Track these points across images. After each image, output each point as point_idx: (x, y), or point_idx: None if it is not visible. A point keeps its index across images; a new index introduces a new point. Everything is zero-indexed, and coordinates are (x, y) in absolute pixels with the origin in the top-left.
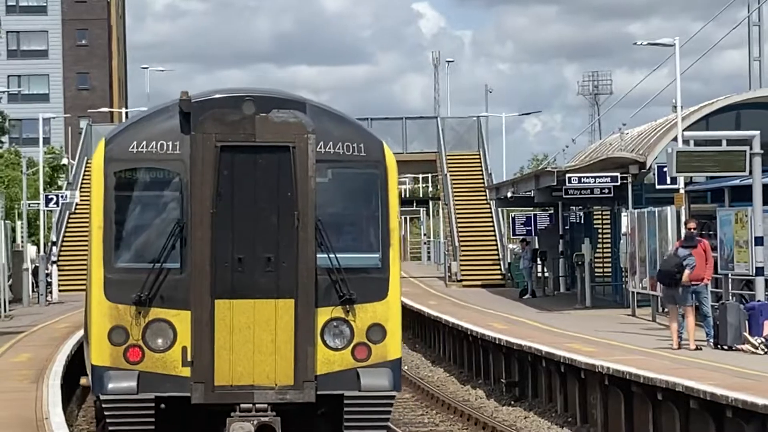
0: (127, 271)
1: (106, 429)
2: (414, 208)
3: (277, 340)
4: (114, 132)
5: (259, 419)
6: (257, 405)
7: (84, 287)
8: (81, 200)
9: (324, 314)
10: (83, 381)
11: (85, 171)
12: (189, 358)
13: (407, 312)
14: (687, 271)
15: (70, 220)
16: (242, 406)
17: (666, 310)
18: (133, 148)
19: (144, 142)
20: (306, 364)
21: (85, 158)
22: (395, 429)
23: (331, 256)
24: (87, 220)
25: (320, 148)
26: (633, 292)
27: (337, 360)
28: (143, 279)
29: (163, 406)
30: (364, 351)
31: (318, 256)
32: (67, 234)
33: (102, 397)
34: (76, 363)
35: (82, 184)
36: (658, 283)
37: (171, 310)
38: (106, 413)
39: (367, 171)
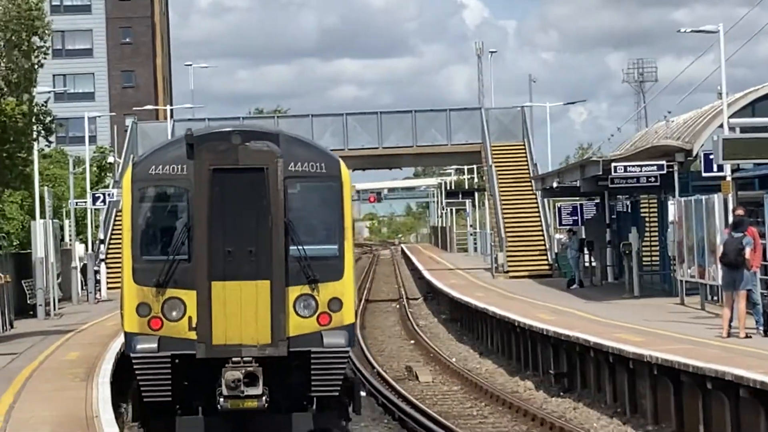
0: (149, 262)
1: (137, 381)
2: (459, 199)
3: (258, 311)
4: (139, 159)
5: (246, 368)
6: (244, 358)
7: None
8: None
9: (295, 291)
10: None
11: None
12: (194, 325)
13: (455, 304)
14: (748, 249)
15: (118, 218)
16: (233, 359)
17: (716, 298)
18: (152, 170)
19: (160, 166)
20: (280, 327)
21: (131, 156)
22: (436, 416)
23: (300, 248)
24: None
25: (291, 167)
26: (681, 281)
27: (305, 325)
28: (161, 267)
29: (177, 361)
30: (326, 318)
31: (291, 248)
32: (114, 232)
33: (132, 356)
34: (125, 361)
35: None
36: (722, 267)
37: (182, 290)
38: (135, 367)
39: (327, 184)
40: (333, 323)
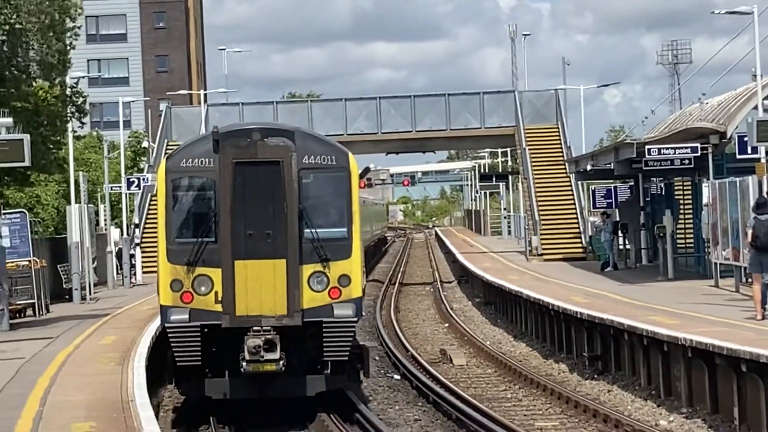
0: (181, 244)
1: (171, 348)
2: (493, 182)
3: (275, 286)
4: (172, 153)
5: (265, 336)
6: (264, 327)
7: None
8: None
9: (309, 269)
10: None
11: (165, 154)
12: (220, 299)
13: (489, 287)
14: None
15: (152, 203)
16: (254, 328)
17: (750, 280)
18: (183, 163)
19: (190, 159)
20: (294, 300)
21: (165, 141)
22: (470, 399)
23: (313, 231)
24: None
25: (305, 159)
26: (716, 263)
27: (318, 298)
28: (191, 248)
29: (205, 330)
30: (336, 292)
31: (305, 231)
32: (149, 216)
33: (166, 326)
34: (160, 345)
35: None
36: (750, 249)
37: (209, 268)
38: (169, 336)
39: (336, 174)
40: (342, 297)
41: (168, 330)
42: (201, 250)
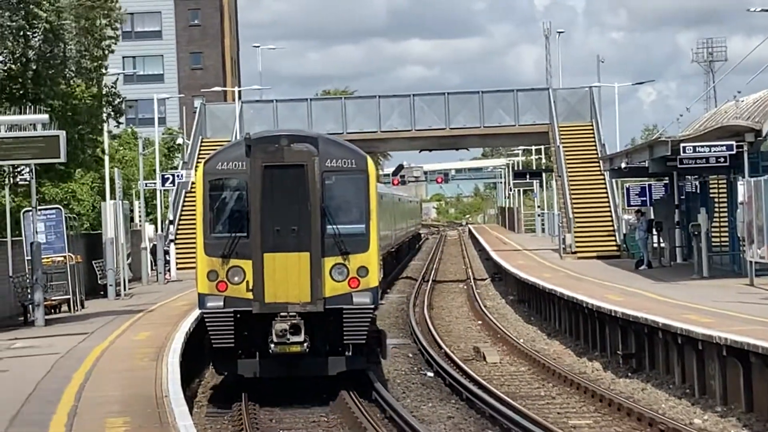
0: (217, 238)
1: (207, 333)
2: (527, 180)
3: (300, 276)
4: (209, 157)
5: (291, 321)
6: (290, 313)
7: None
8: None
9: (331, 261)
10: None
11: (200, 150)
12: (251, 288)
13: (522, 284)
14: None
15: (187, 199)
16: (281, 314)
17: None
18: (219, 166)
19: (225, 163)
20: (317, 289)
21: (200, 137)
22: (504, 396)
23: (334, 227)
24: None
25: (327, 163)
26: (751, 262)
27: (339, 288)
28: (226, 242)
29: (238, 315)
30: (355, 282)
31: (327, 227)
32: (183, 212)
33: (203, 312)
34: (194, 341)
35: (197, 163)
36: None
37: (242, 260)
38: (205, 321)
39: (356, 176)
40: (361, 286)
41: (205, 315)
42: (234, 244)
